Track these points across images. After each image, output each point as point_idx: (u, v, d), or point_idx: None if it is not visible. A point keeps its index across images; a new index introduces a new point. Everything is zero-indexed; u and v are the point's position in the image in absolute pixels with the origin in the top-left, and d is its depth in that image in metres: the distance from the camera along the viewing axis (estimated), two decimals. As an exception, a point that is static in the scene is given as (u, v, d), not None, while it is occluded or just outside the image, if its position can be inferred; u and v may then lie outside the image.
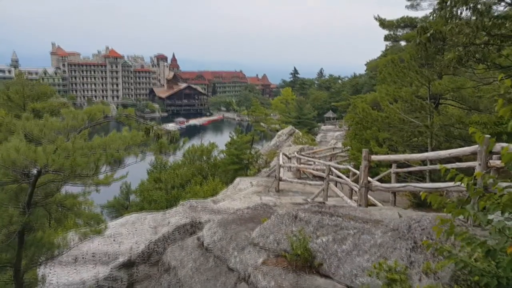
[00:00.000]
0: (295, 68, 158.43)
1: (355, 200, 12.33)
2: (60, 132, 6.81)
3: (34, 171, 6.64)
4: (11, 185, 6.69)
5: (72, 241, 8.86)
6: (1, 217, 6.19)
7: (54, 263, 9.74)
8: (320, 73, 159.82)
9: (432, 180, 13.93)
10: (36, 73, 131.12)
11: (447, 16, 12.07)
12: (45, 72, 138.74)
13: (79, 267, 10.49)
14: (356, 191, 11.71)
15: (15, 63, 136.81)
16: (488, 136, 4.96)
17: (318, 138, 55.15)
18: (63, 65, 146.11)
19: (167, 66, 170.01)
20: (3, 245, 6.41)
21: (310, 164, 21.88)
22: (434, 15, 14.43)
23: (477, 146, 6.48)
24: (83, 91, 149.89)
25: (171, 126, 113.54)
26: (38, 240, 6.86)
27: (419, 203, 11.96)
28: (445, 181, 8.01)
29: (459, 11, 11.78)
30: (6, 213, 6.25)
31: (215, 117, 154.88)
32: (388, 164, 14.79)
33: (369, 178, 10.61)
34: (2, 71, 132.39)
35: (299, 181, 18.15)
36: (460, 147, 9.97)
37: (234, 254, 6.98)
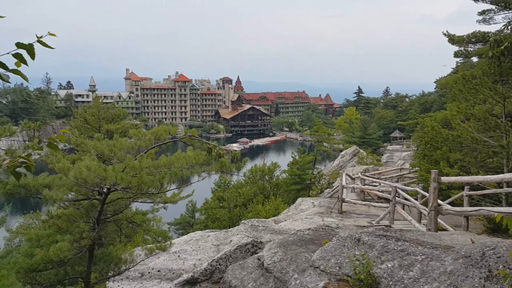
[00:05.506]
0: (359, 87, 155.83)
1: (424, 224, 11.68)
2: (129, 151, 7.17)
3: (104, 189, 7.03)
4: (82, 202, 7.13)
5: (138, 257, 9.16)
6: (72, 232, 6.59)
7: (122, 278, 10.11)
8: (386, 91, 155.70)
9: (508, 204, 12.85)
10: (111, 97, 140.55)
11: (524, 28, 11.30)
12: (119, 96, 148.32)
13: (145, 282, 10.77)
14: (425, 215, 11.09)
15: (93, 88, 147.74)
16: None
17: (383, 158, 53.16)
18: (136, 89, 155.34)
19: (231, 88, 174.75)
20: (75, 258, 6.81)
21: (375, 185, 21.15)
22: (510, 27, 13.57)
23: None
24: (154, 113, 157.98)
25: (235, 146, 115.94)
26: (107, 255, 7.20)
27: (494, 228, 11.05)
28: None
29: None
30: (78, 228, 6.65)
31: (277, 137, 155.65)
32: (460, 187, 13.90)
33: (440, 201, 10.00)
34: (81, 95, 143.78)
35: (363, 202, 17.54)
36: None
37: (294, 276, 6.83)
